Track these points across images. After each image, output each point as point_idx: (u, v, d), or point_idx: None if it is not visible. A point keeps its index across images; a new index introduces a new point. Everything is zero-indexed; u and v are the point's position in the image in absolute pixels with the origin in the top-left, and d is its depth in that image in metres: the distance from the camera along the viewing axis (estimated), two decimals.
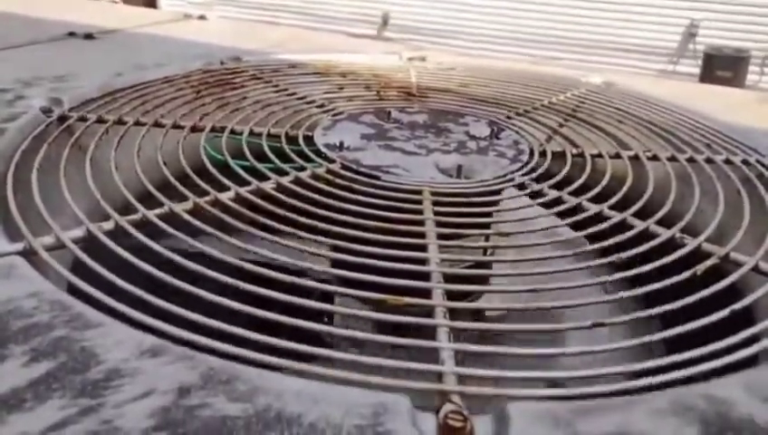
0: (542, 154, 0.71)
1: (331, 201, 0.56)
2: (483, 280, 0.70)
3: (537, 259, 0.51)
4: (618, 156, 0.72)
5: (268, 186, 0.57)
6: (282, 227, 0.49)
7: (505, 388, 0.34)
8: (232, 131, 0.70)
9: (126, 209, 0.50)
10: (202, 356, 0.33)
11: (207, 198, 0.53)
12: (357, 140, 0.69)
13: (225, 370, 0.32)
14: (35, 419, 0.29)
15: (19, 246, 0.44)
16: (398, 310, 0.42)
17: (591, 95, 0.94)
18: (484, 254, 0.68)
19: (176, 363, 0.33)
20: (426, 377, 0.34)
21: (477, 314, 0.71)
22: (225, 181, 0.56)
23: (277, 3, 4.91)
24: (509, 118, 0.83)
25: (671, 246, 0.53)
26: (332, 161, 0.63)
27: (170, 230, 0.46)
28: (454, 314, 0.41)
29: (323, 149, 0.66)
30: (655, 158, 0.72)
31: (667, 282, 0.48)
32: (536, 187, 0.62)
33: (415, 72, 1.03)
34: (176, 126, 0.70)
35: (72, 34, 1.21)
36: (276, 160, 0.63)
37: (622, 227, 0.56)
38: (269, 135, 0.71)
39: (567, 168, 0.67)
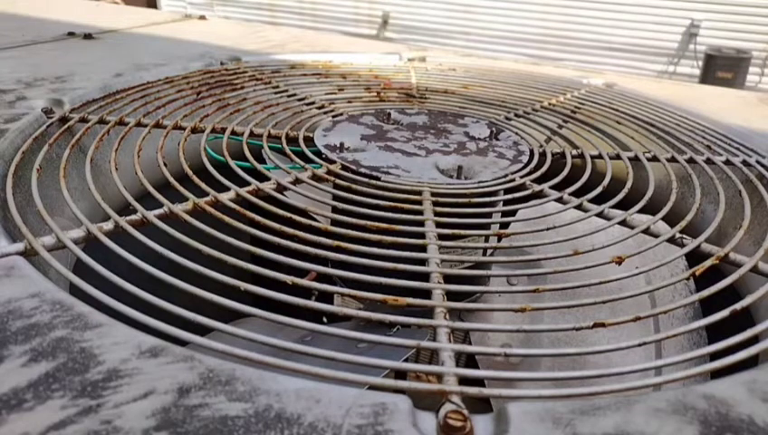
0: (542, 155, 0.71)
1: (331, 202, 0.56)
2: (482, 280, 0.70)
3: (542, 259, 0.51)
4: (617, 157, 0.72)
5: (268, 186, 0.57)
6: (282, 227, 0.49)
7: (505, 388, 0.34)
8: (232, 132, 0.70)
9: (126, 210, 0.50)
10: (202, 356, 0.33)
11: (207, 199, 0.53)
12: (357, 141, 0.69)
13: (225, 370, 0.32)
14: (35, 419, 0.29)
15: (19, 246, 0.44)
16: (398, 310, 0.42)
17: (591, 96, 0.94)
18: (484, 254, 0.69)
19: (176, 363, 0.33)
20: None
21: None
22: (225, 182, 0.56)
23: (277, 3, 4.91)
24: (508, 119, 0.83)
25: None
26: (333, 162, 0.64)
27: (169, 230, 0.46)
28: (454, 314, 0.41)
29: (323, 151, 0.66)
30: (655, 159, 0.72)
31: (669, 282, 0.48)
32: (537, 187, 0.62)
33: (415, 72, 1.04)
34: (176, 127, 0.70)
35: (71, 34, 1.21)
36: (276, 161, 0.63)
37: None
38: (269, 136, 0.71)
39: (567, 169, 0.67)
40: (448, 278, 0.45)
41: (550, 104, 0.89)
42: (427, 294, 0.42)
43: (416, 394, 0.33)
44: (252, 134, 0.70)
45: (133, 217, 0.49)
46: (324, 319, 0.68)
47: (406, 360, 0.47)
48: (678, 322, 0.68)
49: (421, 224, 0.52)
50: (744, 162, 0.71)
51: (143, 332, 0.35)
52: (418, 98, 0.91)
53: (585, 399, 0.32)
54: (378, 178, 0.60)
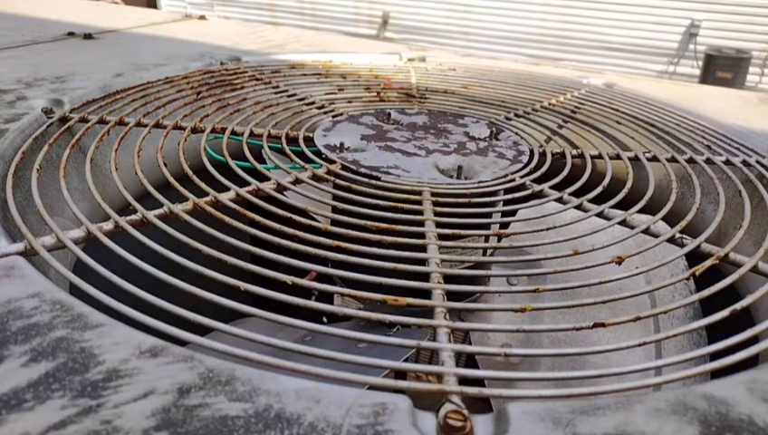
0: (542, 155, 0.71)
1: (331, 202, 0.56)
2: (482, 280, 0.70)
3: (542, 259, 0.51)
4: (618, 157, 0.72)
5: (268, 186, 0.57)
6: (282, 227, 0.49)
7: (505, 388, 0.34)
8: (232, 132, 0.70)
9: (126, 210, 0.50)
10: (202, 356, 0.33)
11: (207, 199, 0.53)
12: (357, 141, 0.69)
13: (225, 370, 0.32)
14: (35, 419, 0.29)
15: (19, 246, 0.44)
16: (398, 310, 0.42)
17: (591, 96, 0.94)
18: (484, 254, 0.69)
19: (176, 363, 0.33)
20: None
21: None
22: (225, 182, 0.56)
23: (277, 3, 4.91)
24: (508, 119, 0.83)
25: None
26: (333, 162, 0.64)
27: (169, 230, 0.46)
28: (454, 314, 0.41)
29: (323, 150, 0.66)
30: (655, 159, 0.72)
31: (669, 282, 0.48)
32: (537, 187, 0.62)
33: (415, 72, 1.04)
34: (176, 127, 0.70)
35: (71, 34, 1.21)
36: (276, 161, 0.63)
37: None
38: (269, 136, 0.71)
39: (567, 169, 0.67)
40: (448, 278, 0.45)
41: (550, 104, 0.89)
42: (426, 294, 0.42)
43: (416, 394, 0.33)
44: (252, 134, 0.70)
45: (133, 217, 0.49)
46: (324, 319, 0.68)
47: (406, 360, 0.47)
48: (678, 322, 0.68)
49: (421, 224, 0.52)
50: (744, 162, 0.71)
51: (143, 332, 0.35)
52: (418, 98, 0.91)
53: (585, 399, 0.32)
54: (378, 178, 0.60)
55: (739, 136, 0.80)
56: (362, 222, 0.51)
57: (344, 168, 0.63)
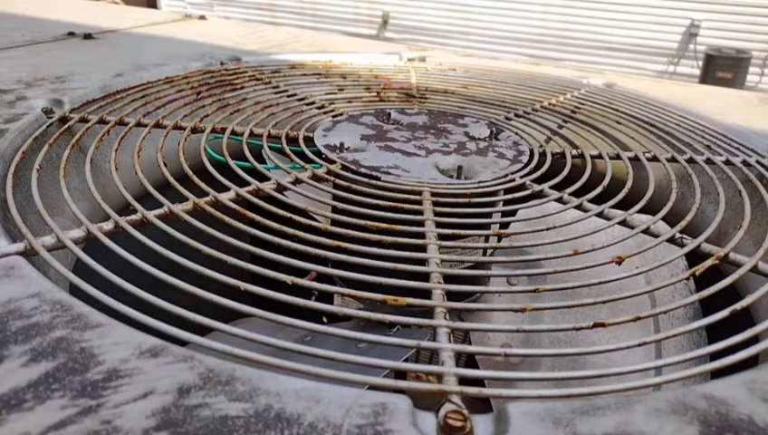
0: (542, 155, 0.71)
1: (331, 202, 0.56)
2: (482, 280, 0.70)
3: (542, 259, 0.51)
4: (618, 157, 0.72)
5: (268, 186, 0.57)
6: (282, 227, 0.49)
7: (505, 388, 0.34)
8: (232, 132, 0.70)
9: (126, 210, 0.50)
10: (202, 356, 0.33)
11: (207, 199, 0.53)
12: (357, 141, 0.69)
13: (225, 370, 0.32)
14: (35, 419, 0.29)
15: (19, 246, 0.44)
16: (398, 310, 0.42)
17: (591, 96, 0.94)
18: (484, 254, 0.69)
19: (176, 364, 0.33)
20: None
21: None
22: (225, 182, 0.56)
23: (277, 3, 4.91)
24: (508, 119, 0.83)
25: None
26: (333, 162, 0.64)
27: (169, 230, 0.46)
28: (454, 314, 0.41)
29: (323, 151, 0.66)
30: (655, 159, 0.72)
31: (669, 282, 0.48)
32: (537, 187, 0.62)
33: (415, 72, 1.04)
34: (176, 127, 0.70)
35: (71, 34, 1.21)
36: (276, 161, 0.63)
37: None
38: (269, 136, 0.71)
39: (567, 169, 0.67)
40: (448, 278, 0.45)
41: (550, 104, 0.89)
42: (426, 294, 0.42)
43: (416, 394, 0.33)
44: (252, 134, 0.70)
45: (133, 217, 0.49)
46: (324, 319, 0.68)
47: (406, 360, 0.47)
48: (678, 322, 0.68)
49: (421, 224, 0.52)
50: (744, 162, 0.71)
51: (143, 332, 0.35)
52: (418, 98, 0.91)
53: (585, 399, 0.32)
54: (378, 178, 0.60)
55: (739, 136, 0.80)
56: (362, 222, 0.51)
57: (344, 168, 0.63)
